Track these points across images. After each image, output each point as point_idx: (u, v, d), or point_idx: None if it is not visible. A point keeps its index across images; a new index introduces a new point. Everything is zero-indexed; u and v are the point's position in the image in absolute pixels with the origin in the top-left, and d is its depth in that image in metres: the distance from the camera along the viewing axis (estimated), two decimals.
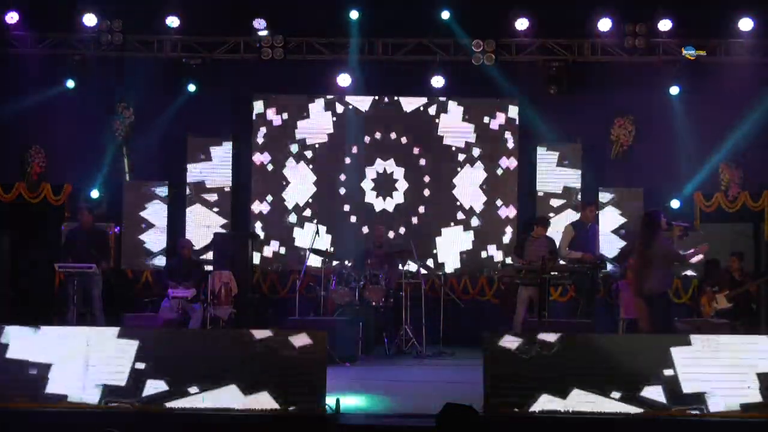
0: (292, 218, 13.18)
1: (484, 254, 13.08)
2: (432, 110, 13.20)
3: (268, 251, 13.12)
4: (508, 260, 12.12)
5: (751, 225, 12.59)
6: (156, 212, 12.94)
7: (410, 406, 7.74)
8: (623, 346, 7.51)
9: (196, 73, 12.73)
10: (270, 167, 13.23)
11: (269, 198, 13.20)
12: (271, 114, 13.25)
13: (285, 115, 13.25)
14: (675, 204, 12.62)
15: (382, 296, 11.32)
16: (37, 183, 12.89)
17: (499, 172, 13.15)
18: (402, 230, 12.95)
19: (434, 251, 13.03)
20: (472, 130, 13.18)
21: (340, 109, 13.23)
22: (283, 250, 13.14)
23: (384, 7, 12.55)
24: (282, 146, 13.24)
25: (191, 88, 12.75)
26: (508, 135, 13.16)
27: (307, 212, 13.18)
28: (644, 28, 12.12)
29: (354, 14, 12.49)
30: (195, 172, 13.00)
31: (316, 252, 11.96)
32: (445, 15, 12.47)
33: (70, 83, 12.61)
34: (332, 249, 12.84)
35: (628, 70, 12.61)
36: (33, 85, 12.66)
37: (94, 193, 12.77)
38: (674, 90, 12.47)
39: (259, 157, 13.22)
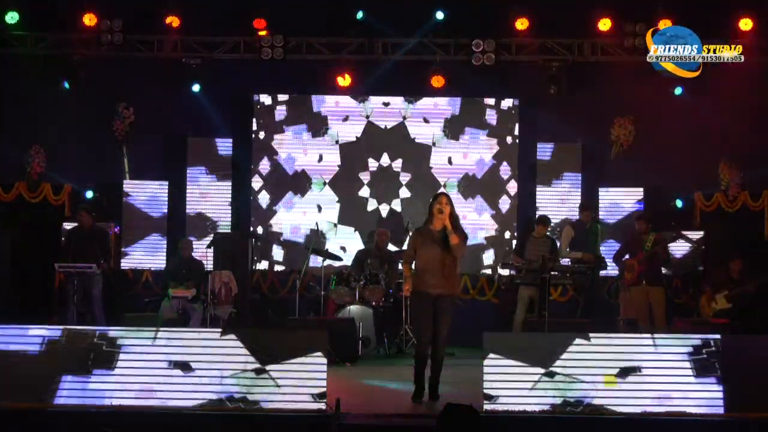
0: (293, 218, 13.20)
1: (485, 253, 13.10)
2: (432, 110, 13.20)
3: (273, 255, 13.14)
4: (508, 259, 12.11)
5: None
6: (155, 212, 12.93)
7: (410, 406, 7.74)
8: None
9: (196, 73, 12.73)
10: (270, 167, 13.24)
11: (270, 198, 13.22)
12: (272, 114, 13.25)
13: (285, 115, 13.26)
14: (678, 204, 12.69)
15: (382, 296, 11.33)
16: (37, 183, 12.88)
17: (499, 172, 13.16)
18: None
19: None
20: (472, 130, 13.19)
21: (340, 108, 13.24)
22: (281, 256, 13.16)
23: (384, 7, 12.57)
24: (282, 146, 13.23)
25: (195, 88, 12.75)
26: (508, 135, 13.17)
27: (307, 212, 13.21)
28: (644, 28, 12.12)
29: (360, 14, 12.51)
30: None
31: (317, 252, 11.97)
32: (440, 15, 12.51)
33: (66, 84, 12.59)
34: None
35: (628, 70, 12.61)
36: (33, 85, 12.67)
37: (89, 193, 12.76)
38: (678, 90, 12.47)
39: (259, 157, 13.23)
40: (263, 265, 13.05)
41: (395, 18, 12.62)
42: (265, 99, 13.27)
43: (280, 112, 13.27)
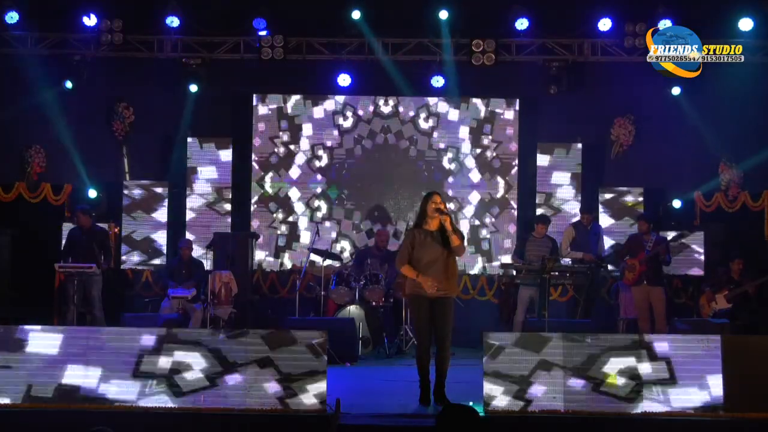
0: (293, 218, 13.21)
1: (484, 252, 13.11)
2: (432, 110, 13.20)
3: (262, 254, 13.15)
4: (508, 259, 12.10)
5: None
6: (156, 212, 12.93)
7: (410, 406, 7.74)
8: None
9: (196, 73, 12.74)
10: (270, 167, 13.23)
11: (270, 198, 13.22)
12: (271, 114, 13.25)
13: (284, 116, 13.25)
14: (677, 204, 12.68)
15: (382, 296, 11.34)
16: (37, 183, 12.89)
17: (499, 172, 13.16)
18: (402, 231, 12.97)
19: None
20: (472, 131, 13.19)
21: (339, 108, 13.24)
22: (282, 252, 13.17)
23: (384, 7, 12.57)
24: (282, 146, 13.23)
25: (193, 88, 12.75)
26: (508, 135, 13.17)
27: (308, 212, 13.21)
28: (644, 28, 12.12)
29: (356, 14, 12.50)
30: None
31: (317, 252, 11.98)
32: (444, 15, 12.50)
33: (69, 84, 12.60)
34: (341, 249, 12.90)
35: (628, 70, 12.62)
36: (33, 85, 12.67)
37: (92, 193, 12.76)
38: (676, 90, 12.48)
39: (259, 156, 13.22)
40: (263, 264, 13.07)
41: (395, 18, 12.63)
42: (265, 99, 13.26)
43: (280, 113, 13.26)
